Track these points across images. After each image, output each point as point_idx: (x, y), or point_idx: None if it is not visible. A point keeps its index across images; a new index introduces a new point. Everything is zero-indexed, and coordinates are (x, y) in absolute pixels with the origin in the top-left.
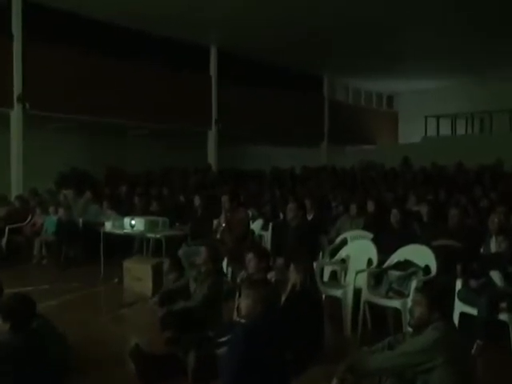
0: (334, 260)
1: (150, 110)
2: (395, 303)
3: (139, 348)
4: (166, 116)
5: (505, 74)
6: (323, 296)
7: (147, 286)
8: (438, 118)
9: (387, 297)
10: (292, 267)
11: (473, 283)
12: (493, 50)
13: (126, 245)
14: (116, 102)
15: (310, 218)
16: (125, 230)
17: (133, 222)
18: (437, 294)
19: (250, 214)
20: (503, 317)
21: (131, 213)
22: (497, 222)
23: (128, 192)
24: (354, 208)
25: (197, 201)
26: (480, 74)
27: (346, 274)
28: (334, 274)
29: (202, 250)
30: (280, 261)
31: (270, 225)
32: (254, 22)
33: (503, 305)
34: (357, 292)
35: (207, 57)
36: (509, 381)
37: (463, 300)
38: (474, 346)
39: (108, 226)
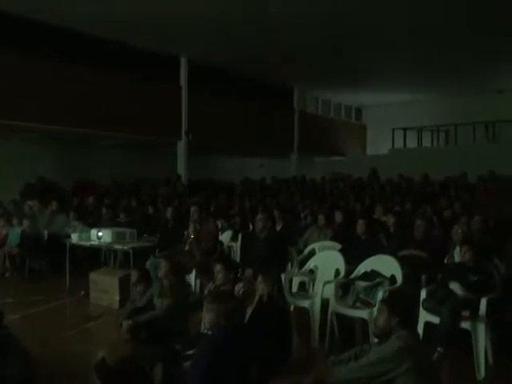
0: (302, 271)
1: (119, 120)
2: (362, 313)
3: (105, 362)
4: (135, 127)
5: (468, 89)
6: (291, 307)
7: (114, 298)
8: (404, 130)
9: (354, 307)
10: (260, 278)
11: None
12: (456, 65)
13: (92, 257)
14: (85, 111)
15: (278, 228)
16: (91, 242)
17: (100, 234)
18: (399, 303)
19: (220, 225)
20: (465, 325)
21: (98, 224)
22: (460, 233)
23: (95, 203)
24: (321, 219)
25: (169, 212)
26: (445, 89)
27: (314, 285)
28: (302, 285)
29: (162, 263)
30: (248, 272)
31: (240, 236)
32: (225, 32)
33: (465, 313)
34: (325, 303)
35: (177, 67)
36: None
37: (427, 309)
38: (436, 354)
39: (74, 237)
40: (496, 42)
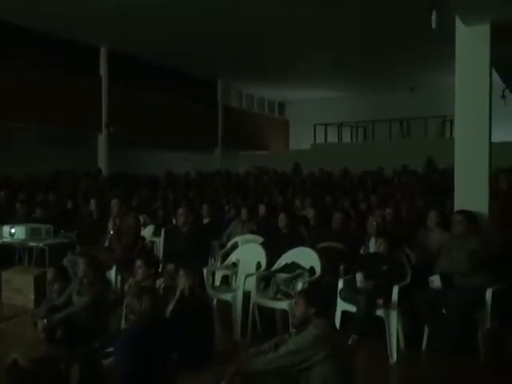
0: (224, 264)
1: (36, 111)
2: (282, 304)
3: (17, 364)
4: (53, 118)
5: (384, 87)
6: (214, 300)
7: (29, 298)
8: (325, 126)
9: (275, 298)
10: (181, 272)
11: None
12: (373, 64)
13: (5, 255)
14: None
15: (206, 222)
16: (4, 239)
17: (13, 231)
18: (316, 294)
19: (142, 219)
20: (380, 312)
21: (12, 220)
22: (375, 225)
23: (8, 198)
24: (244, 212)
25: (92, 205)
26: (363, 87)
27: (236, 278)
28: (226, 279)
29: (80, 261)
30: (170, 267)
31: (162, 230)
32: (146, 21)
33: (380, 301)
34: (247, 295)
35: (97, 57)
36: (385, 371)
37: (344, 299)
38: (350, 340)
39: None
40: (407, 42)
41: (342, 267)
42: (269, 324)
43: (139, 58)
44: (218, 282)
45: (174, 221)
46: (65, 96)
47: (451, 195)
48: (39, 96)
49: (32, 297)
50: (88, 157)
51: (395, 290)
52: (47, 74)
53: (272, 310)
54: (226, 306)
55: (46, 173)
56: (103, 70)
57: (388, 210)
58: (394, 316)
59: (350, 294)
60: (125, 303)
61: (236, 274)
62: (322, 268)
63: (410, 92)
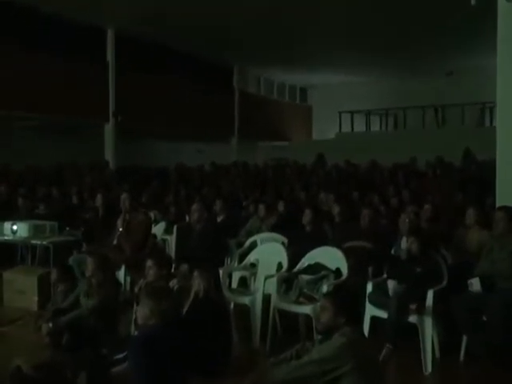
0: (242, 265)
1: (37, 99)
2: (305, 309)
3: (20, 370)
4: (56, 107)
5: (417, 71)
6: (231, 304)
7: (32, 299)
8: (352, 113)
9: (297, 302)
10: (195, 273)
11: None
12: (405, 46)
13: (6, 254)
14: None
15: (220, 219)
16: (5, 237)
17: (14, 228)
18: (343, 298)
19: (152, 216)
20: (413, 319)
21: (13, 216)
22: (407, 223)
23: (9, 192)
24: (262, 208)
25: (98, 200)
26: (393, 71)
27: (255, 280)
28: (243, 280)
29: (88, 260)
30: (183, 267)
31: (175, 228)
32: (157, 0)
33: (413, 307)
34: (266, 298)
35: (104, 41)
36: (419, 383)
37: (374, 303)
38: (384, 351)
39: None
40: (443, 20)
41: (370, 268)
42: (290, 330)
43: (148, 41)
44: (235, 284)
45: (187, 217)
46: (68, 82)
47: (492, 190)
48: (40, 82)
49: (35, 298)
50: (94, 148)
51: (430, 294)
52: (49, 58)
53: (294, 315)
54: (244, 310)
55: (48, 165)
56: (110, 55)
57: (426, 206)
58: (428, 322)
59: (380, 298)
60: (134, 307)
61: (255, 275)
62: (349, 269)
63: (446, 76)
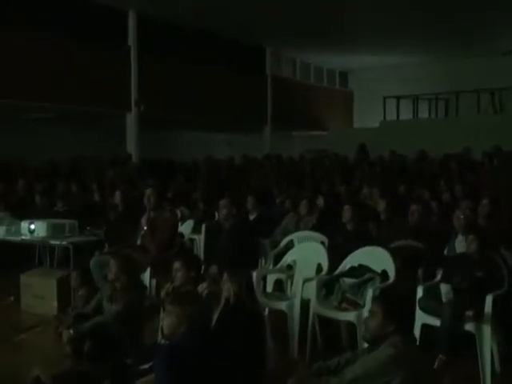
0: (277, 267)
1: (53, 88)
2: (349, 315)
3: (39, 381)
4: (73, 95)
5: (471, 51)
6: (265, 309)
7: (51, 305)
8: (398, 99)
9: (340, 308)
10: (225, 277)
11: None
12: (457, 22)
13: (24, 255)
14: (8, 78)
15: (252, 217)
16: (22, 237)
17: (32, 227)
18: (393, 303)
19: (179, 213)
20: (469, 327)
21: (30, 215)
22: (463, 219)
23: (26, 188)
24: (302, 205)
25: (117, 197)
26: (444, 51)
27: (292, 283)
28: (279, 284)
29: (111, 262)
30: (213, 269)
31: (203, 226)
32: None
33: (469, 313)
34: (305, 304)
35: (125, 23)
36: None
37: (425, 309)
38: (436, 361)
39: (1, 231)
40: None
41: (421, 271)
42: (332, 339)
43: (173, 23)
44: (270, 288)
45: (216, 215)
46: (86, 69)
47: None
48: (54, 69)
49: (55, 304)
50: (115, 141)
51: (489, 299)
52: (63, 43)
53: (336, 323)
54: (281, 317)
55: (66, 159)
56: (132, 38)
57: (484, 201)
58: (487, 331)
59: (433, 303)
60: (161, 313)
61: (292, 278)
62: (397, 272)
63: (503, 56)
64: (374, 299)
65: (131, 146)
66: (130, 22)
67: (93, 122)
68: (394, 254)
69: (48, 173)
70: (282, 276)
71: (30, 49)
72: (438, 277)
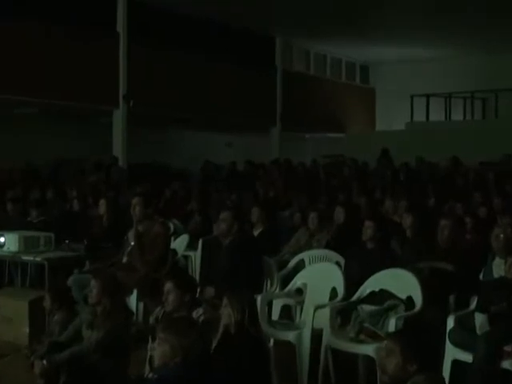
0: (285, 291)
1: (30, 80)
2: (367, 349)
3: None
4: (53, 89)
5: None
6: (271, 340)
7: (22, 330)
8: (427, 97)
9: (357, 340)
10: (225, 301)
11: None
12: (495, 10)
13: None
14: None
15: (257, 232)
16: None
17: (2, 240)
18: (417, 340)
19: (172, 226)
20: (507, 364)
21: (0, 226)
22: (503, 239)
23: None
24: (314, 218)
25: (102, 207)
26: (481, 42)
27: (302, 310)
28: (287, 310)
29: (92, 282)
30: (210, 292)
31: (200, 242)
32: None
33: (508, 349)
34: (316, 334)
35: (113, 8)
36: None
37: (456, 343)
38: None
39: None
40: None
41: (452, 298)
42: (347, 375)
43: (169, 8)
44: (276, 316)
45: (215, 229)
46: (68, 59)
47: None
48: (32, 59)
49: (26, 329)
50: (99, 141)
51: None
52: (46, 30)
53: (352, 356)
54: (288, 349)
55: (44, 161)
56: (121, 25)
57: None
58: None
59: (465, 336)
60: (149, 343)
61: (302, 304)
62: (424, 299)
63: None
64: (390, 334)
65: (118, 148)
66: (119, 5)
67: (75, 120)
68: (422, 277)
69: (23, 177)
70: (291, 301)
71: (15, 40)
72: (473, 305)
